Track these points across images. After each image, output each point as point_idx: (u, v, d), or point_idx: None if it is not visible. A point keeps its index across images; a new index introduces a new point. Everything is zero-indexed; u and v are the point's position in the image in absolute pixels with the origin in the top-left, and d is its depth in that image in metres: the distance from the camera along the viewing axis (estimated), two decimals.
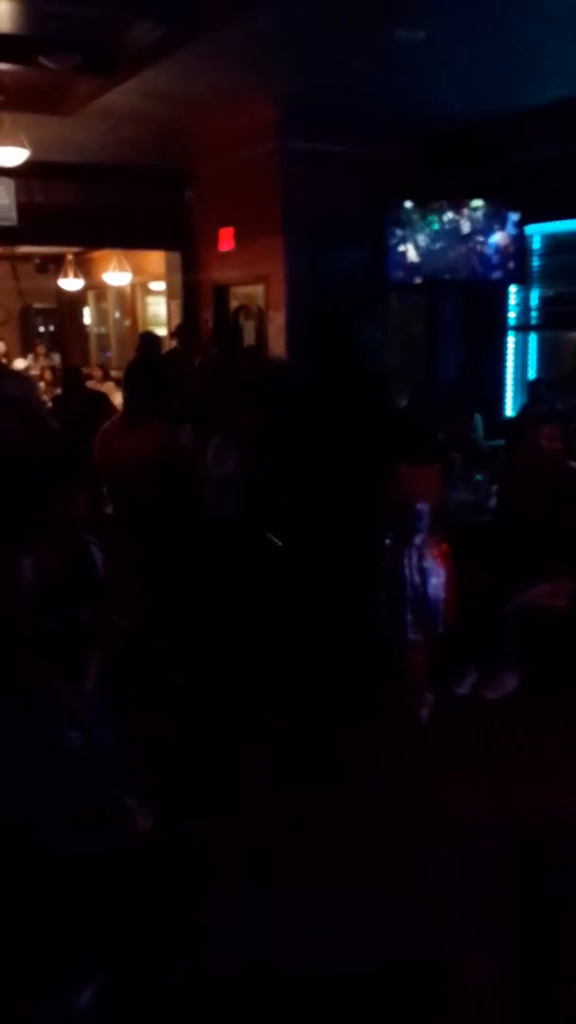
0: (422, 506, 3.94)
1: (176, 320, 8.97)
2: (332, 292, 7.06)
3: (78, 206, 8.21)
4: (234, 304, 8.32)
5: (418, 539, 3.98)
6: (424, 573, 3.96)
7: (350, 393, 3.94)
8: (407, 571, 3.96)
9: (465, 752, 3.89)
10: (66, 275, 11.86)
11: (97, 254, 11.82)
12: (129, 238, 9.11)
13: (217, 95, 6.33)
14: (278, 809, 3.39)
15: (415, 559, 3.96)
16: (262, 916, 2.78)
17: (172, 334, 8.72)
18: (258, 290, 7.74)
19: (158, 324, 10.70)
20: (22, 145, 6.43)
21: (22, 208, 7.52)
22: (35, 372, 11.26)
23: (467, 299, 7.57)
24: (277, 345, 7.45)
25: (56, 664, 2.95)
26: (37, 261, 12.91)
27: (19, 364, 11.56)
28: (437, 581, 3.98)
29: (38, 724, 2.91)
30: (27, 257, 12.60)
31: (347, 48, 5.49)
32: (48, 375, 11.25)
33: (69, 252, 11.75)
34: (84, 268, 12.12)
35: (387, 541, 4.02)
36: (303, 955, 2.63)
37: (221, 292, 8.40)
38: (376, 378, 4.41)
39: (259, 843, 3.16)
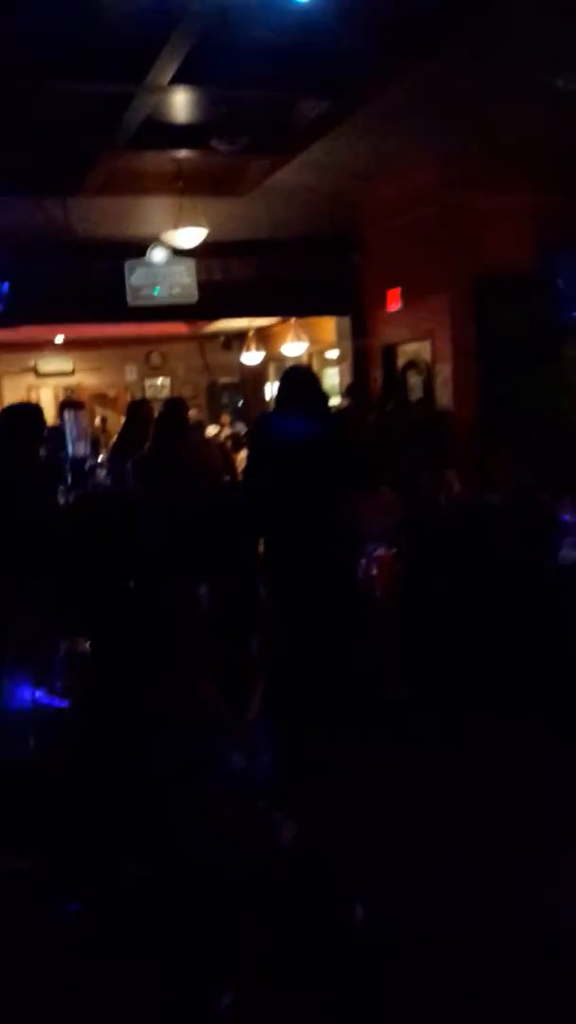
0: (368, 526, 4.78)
1: (346, 380, 9.22)
2: (498, 342, 7.05)
3: (253, 280, 8.69)
4: (401, 361, 8.44)
5: (368, 551, 4.76)
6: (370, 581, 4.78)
7: (313, 432, 4.38)
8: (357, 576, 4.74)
9: None
10: (248, 350, 12.52)
11: (276, 328, 12.41)
12: (302, 307, 9.54)
13: (380, 160, 6.58)
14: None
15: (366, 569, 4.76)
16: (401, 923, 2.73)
17: (344, 393, 8.97)
18: (425, 346, 7.83)
19: (335, 394, 11.01)
20: (200, 226, 6.96)
21: (202, 286, 8.10)
22: (220, 439, 11.84)
23: None
24: (444, 397, 7.47)
25: (225, 689, 3.09)
26: (222, 339, 13.74)
27: (210, 431, 12.20)
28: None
29: (206, 746, 3.03)
30: (213, 336, 13.46)
31: (506, 101, 5.57)
32: (230, 442, 11.79)
33: (251, 328, 12.43)
34: (265, 342, 12.76)
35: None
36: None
37: (389, 351, 8.57)
38: (334, 419, 5.24)
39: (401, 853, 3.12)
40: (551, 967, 2.63)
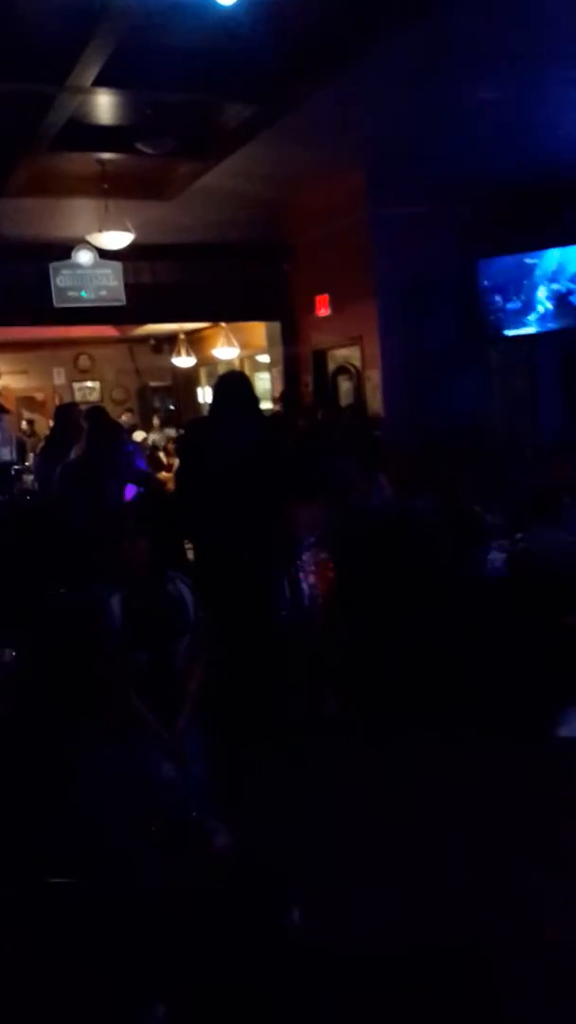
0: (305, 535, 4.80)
1: (278, 384, 9.25)
2: (425, 348, 7.16)
3: (182, 284, 8.65)
4: (332, 367, 8.51)
5: (304, 558, 4.78)
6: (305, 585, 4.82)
7: (246, 438, 4.32)
8: (301, 584, 4.79)
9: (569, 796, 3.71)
10: (179, 354, 12.43)
11: (207, 332, 12.36)
12: (232, 312, 9.52)
13: (306, 168, 6.62)
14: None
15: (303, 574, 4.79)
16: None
17: (275, 399, 8.99)
18: (354, 352, 7.90)
19: (267, 398, 11.04)
20: (127, 229, 6.89)
21: (130, 289, 8.01)
22: (148, 443, 11.74)
23: (568, 347, 7.49)
24: (375, 402, 7.56)
25: (151, 699, 3.03)
26: (152, 342, 13.62)
27: (137, 436, 12.11)
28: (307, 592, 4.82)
29: (133, 757, 2.97)
30: (143, 339, 13.33)
31: (425, 111, 5.66)
32: (172, 444, 11.68)
33: (181, 332, 12.35)
34: (195, 346, 12.69)
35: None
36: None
37: (320, 356, 8.63)
38: (267, 425, 5.17)
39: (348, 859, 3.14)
40: (487, 972, 2.66)
